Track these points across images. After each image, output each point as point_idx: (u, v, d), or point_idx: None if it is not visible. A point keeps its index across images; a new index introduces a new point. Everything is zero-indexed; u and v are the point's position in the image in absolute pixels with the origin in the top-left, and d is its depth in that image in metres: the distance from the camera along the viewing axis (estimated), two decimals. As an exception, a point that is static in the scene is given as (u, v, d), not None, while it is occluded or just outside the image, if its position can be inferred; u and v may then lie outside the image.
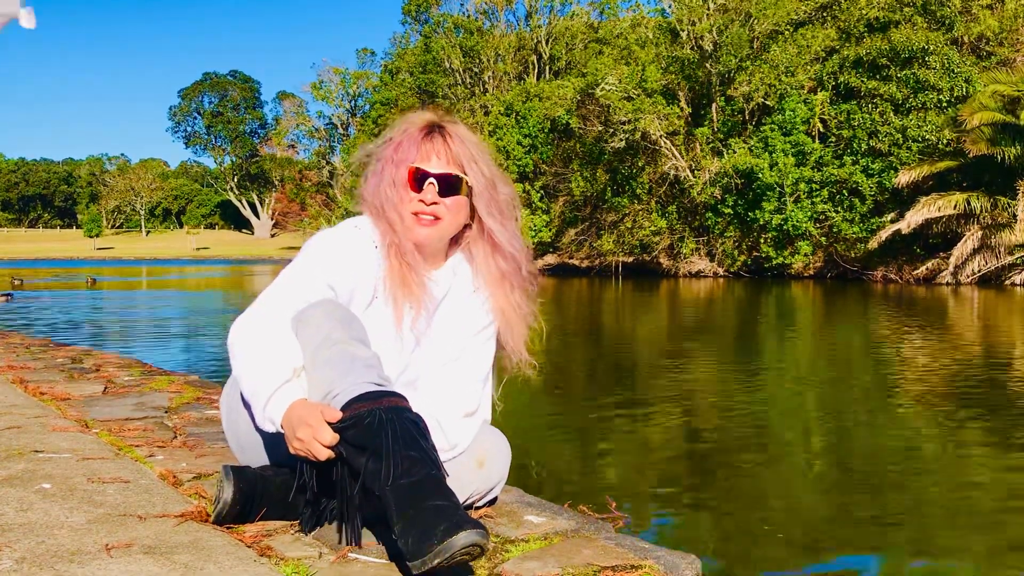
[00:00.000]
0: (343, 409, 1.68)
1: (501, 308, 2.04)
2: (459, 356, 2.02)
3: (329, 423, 1.67)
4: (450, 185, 1.95)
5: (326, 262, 1.91)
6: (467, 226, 2.05)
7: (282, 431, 1.73)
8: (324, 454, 1.67)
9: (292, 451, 1.71)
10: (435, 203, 1.94)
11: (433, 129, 1.98)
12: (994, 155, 21.32)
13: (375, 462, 1.62)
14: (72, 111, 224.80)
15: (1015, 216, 21.21)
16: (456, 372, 2.00)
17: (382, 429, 1.63)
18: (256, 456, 1.95)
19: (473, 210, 2.02)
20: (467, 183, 1.97)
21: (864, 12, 26.01)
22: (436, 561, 1.49)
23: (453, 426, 1.94)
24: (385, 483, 1.60)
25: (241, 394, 1.87)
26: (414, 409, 1.78)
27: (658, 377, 6.74)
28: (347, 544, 1.72)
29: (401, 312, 1.93)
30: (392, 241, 1.94)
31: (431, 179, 1.93)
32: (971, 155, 21.85)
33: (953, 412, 5.15)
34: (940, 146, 23.60)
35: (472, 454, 1.95)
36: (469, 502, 1.99)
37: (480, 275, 2.05)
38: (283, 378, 1.75)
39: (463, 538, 1.49)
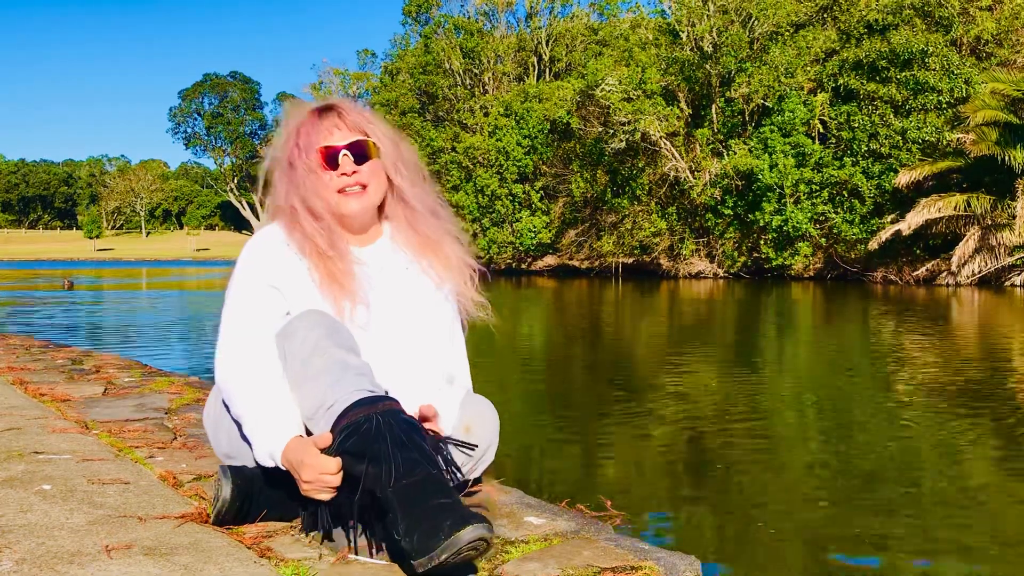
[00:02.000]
0: (339, 419, 1.69)
1: (434, 266, 2.04)
2: (419, 327, 2.00)
3: (326, 447, 1.69)
4: (361, 152, 1.97)
5: (256, 268, 1.95)
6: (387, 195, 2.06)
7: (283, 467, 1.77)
8: (337, 480, 1.69)
9: (303, 493, 1.72)
10: (355, 172, 1.96)
11: (323, 109, 2.01)
12: (995, 156, 21.33)
13: (375, 466, 1.62)
14: (72, 112, 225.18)
15: (1014, 216, 21.22)
16: (422, 343, 1.99)
17: (380, 433, 1.64)
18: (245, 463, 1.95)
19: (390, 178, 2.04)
20: (374, 144, 1.99)
21: (864, 14, 26.03)
22: (443, 556, 1.49)
23: (444, 414, 1.92)
24: (387, 485, 1.60)
25: (228, 411, 1.90)
26: (407, 406, 1.80)
27: (658, 378, 6.74)
28: (351, 547, 1.72)
29: (341, 307, 1.93)
30: (309, 243, 1.94)
31: (343, 151, 1.95)
32: (972, 156, 21.86)
33: (954, 413, 5.15)
34: (940, 146, 23.62)
35: (457, 423, 1.94)
36: (463, 471, 1.97)
37: (401, 240, 2.05)
38: (277, 420, 1.78)
39: (469, 533, 1.50)
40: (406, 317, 2.00)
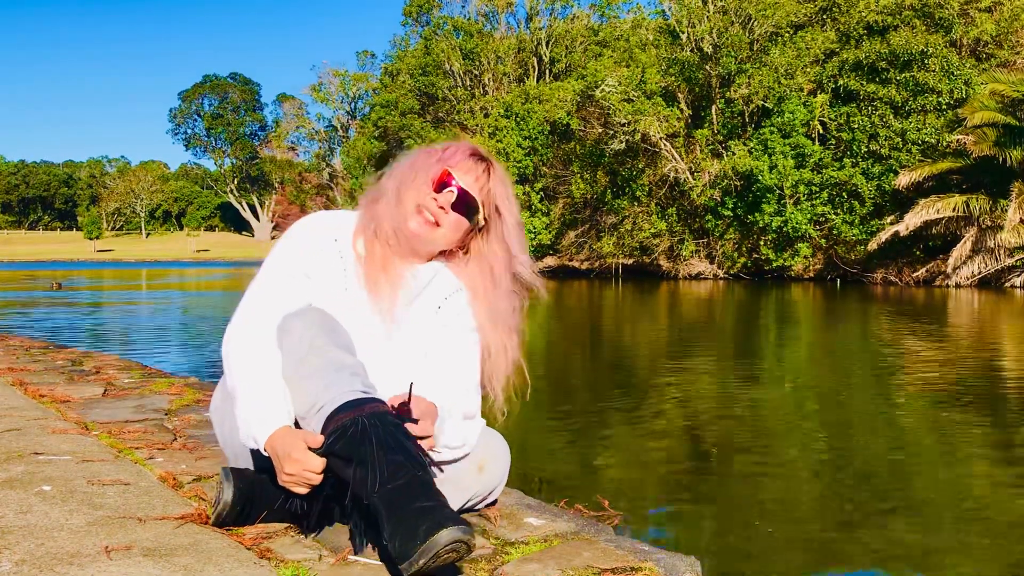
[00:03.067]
0: (328, 421, 1.70)
1: (489, 339, 2.02)
2: (448, 357, 1.99)
3: (316, 448, 1.70)
4: (467, 205, 1.96)
5: (297, 253, 1.96)
6: (451, 251, 2.05)
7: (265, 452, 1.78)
8: (318, 480, 1.71)
9: (281, 483, 1.74)
10: (443, 209, 1.95)
11: (484, 157, 2.02)
12: (994, 157, 21.34)
13: (362, 470, 1.63)
14: (72, 113, 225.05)
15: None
16: (451, 375, 1.98)
17: (365, 437, 1.65)
18: (249, 463, 1.95)
19: (468, 239, 2.03)
20: (481, 213, 1.99)
21: (863, 15, 26.04)
22: (422, 561, 1.50)
23: (459, 424, 1.93)
24: (372, 490, 1.61)
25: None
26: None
27: (657, 378, 6.74)
28: (358, 551, 1.72)
29: (380, 295, 1.93)
30: (377, 227, 1.96)
31: (453, 187, 1.95)
32: (973, 156, 21.87)
33: (953, 413, 5.15)
34: (940, 147, 23.63)
35: (472, 458, 1.96)
36: (469, 505, 1.99)
37: (478, 297, 2.03)
38: (269, 405, 1.78)
39: (446, 535, 1.50)
40: (439, 338, 2.00)
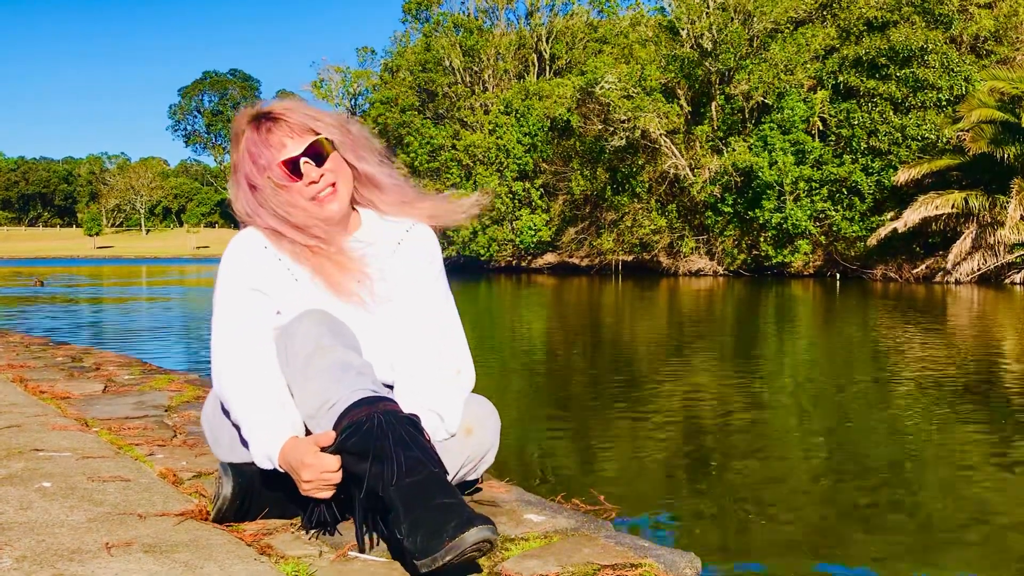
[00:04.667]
0: (341, 418, 1.69)
1: (422, 217, 2.08)
2: (416, 311, 1.99)
3: (328, 446, 1.69)
4: (320, 153, 1.96)
5: (238, 273, 1.94)
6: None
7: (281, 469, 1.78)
8: (338, 478, 1.70)
9: (303, 494, 1.74)
10: (321, 175, 1.95)
11: (266, 118, 1.98)
12: (991, 154, 21.32)
13: (378, 465, 1.62)
14: (72, 110, 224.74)
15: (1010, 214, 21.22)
16: (424, 334, 1.98)
17: (382, 432, 1.64)
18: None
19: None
20: (328, 141, 1.97)
21: (863, 11, 26.01)
22: (448, 558, 1.49)
23: (451, 413, 1.93)
24: (390, 484, 1.60)
25: (227, 416, 1.91)
26: (411, 394, 1.85)
27: (658, 375, 6.74)
28: (365, 549, 1.72)
29: (348, 288, 1.94)
30: (305, 251, 1.95)
31: (303, 160, 1.94)
32: (970, 153, 21.85)
33: (954, 412, 5.15)
34: (940, 144, 23.62)
35: (459, 423, 1.95)
36: (462, 472, 1.97)
37: (384, 209, 2.07)
38: (272, 422, 1.79)
39: (474, 534, 1.50)
40: (403, 298, 2.00)
